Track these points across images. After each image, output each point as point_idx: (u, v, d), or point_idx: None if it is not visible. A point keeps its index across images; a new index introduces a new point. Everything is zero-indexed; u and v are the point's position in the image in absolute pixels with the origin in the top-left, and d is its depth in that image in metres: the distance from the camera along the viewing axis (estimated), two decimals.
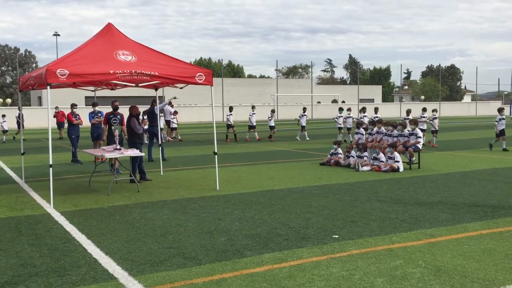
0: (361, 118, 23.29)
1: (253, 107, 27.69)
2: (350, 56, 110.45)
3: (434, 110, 23.66)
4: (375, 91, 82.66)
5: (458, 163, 15.46)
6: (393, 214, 8.35)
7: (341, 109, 26.11)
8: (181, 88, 13.02)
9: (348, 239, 6.83)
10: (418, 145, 14.46)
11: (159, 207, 9.18)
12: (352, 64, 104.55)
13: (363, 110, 24.00)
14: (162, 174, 13.67)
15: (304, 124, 26.69)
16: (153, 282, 5.25)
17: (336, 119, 25.53)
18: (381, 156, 14.14)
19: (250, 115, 26.57)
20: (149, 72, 10.02)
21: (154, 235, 7.20)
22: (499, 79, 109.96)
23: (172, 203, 9.60)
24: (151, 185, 11.87)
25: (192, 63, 60.75)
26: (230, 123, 25.69)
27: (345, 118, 24.99)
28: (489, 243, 6.54)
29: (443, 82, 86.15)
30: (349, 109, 25.95)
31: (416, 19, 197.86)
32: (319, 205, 9.17)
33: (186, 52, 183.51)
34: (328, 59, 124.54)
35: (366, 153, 14.83)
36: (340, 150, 15.73)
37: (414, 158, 14.33)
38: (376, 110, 23.23)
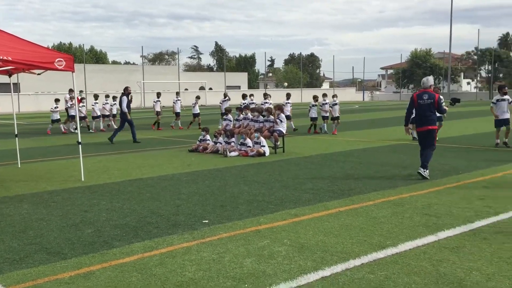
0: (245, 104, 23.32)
1: (177, 93, 26.71)
2: (216, 43, 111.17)
3: (334, 96, 22.25)
4: (241, 78, 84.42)
5: (319, 146, 16.44)
6: (260, 196, 8.67)
7: (325, 95, 22.63)
8: (38, 74, 12.18)
9: (217, 223, 6.97)
10: (282, 130, 15.09)
11: (17, 202, 8.57)
12: (219, 52, 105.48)
13: (247, 96, 24.04)
14: (19, 166, 12.75)
15: (198, 111, 25.55)
16: (13, 281, 4.92)
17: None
18: (248, 141, 14.55)
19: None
20: (0, 57, 9.23)
21: (12, 231, 6.73)
22: (353, 67, 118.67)
23: (32, 196, 9.02)
24: (7, 178, 11.02)
25: (51, 47, 56.97)
26: (158, 110, 25.06)
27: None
28: (346, 219, 7.09)
29: (304, 69, 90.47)
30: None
31: (276, 9, 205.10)
32: (188, 191, 9.22)
33: (42, 36, 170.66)
34: (195, 46, 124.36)
35: (233, 139, 15.15)
36: (208, 137, 15.89)
37: (279, 143, 14.95)
38: (244, 97, 23.61)
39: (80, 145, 10.95)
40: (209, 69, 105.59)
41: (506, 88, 16.12)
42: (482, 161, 12.34)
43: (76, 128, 23.44)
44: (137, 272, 5.13)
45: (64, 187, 9.85)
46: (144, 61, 73.56)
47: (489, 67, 79.43)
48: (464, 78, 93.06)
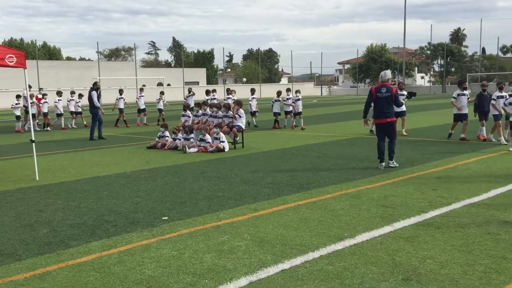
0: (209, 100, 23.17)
1: (141, 89, 26.03)
2: (174, 38, 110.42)
3: (297, 91, 22.10)
4: (200, 73, 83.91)
5: (278, 141, 16.54)
6: (220, 192, 8.66)
7: (288, 90, 22.93)
8: None
9: (177, 219, 6.93)
10: (241, 125, 15.11)
11: None
12: (176, 47, 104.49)
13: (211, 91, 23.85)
14: None
15: (162, 107, 25.17)
16: None
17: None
18: (208, 137, 14.50)
19: (137, 98, 24.97)
20: None
21: None
22: (311, 62, 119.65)
23: None
24: None
25: (1, 43, 55.15)
26: (121, 108, 24.45)
27: (293, 100, 21.64)
28: (305, 212, 7.18)
29: (262, 65, 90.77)
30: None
31: (233, 3, 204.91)
32: (147, 188, 9.12)
33: None
34: (152, 41, 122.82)
35: (192, 135, 15.07)
36: (167, 133, 15.75)
37: (238, 138, 14.97)
38: (207, 93, 23.41)
39: (33, 144, 10.65)
40: (167, 65, 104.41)
41: (466, 83, 16.62)
42: (435, 153, 12.70)
43: (44, 126, 22.90)
44: (95, 271, 5.04)
45: (17, 187, 9.57)
46: (100, 57, 71.96)
47: (442, 61, 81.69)
48: (418, 73, 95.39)
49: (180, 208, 7.60)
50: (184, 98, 25.37)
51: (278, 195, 8.29)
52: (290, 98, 21.69)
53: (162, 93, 25.99)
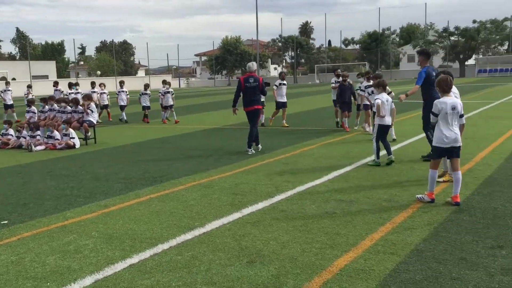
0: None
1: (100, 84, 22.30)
2: (18, 29, 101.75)
3: (165, 82, 20.34)
4: (49, 67, 78.93)
5: (134, 134, 16.22)
6: (68, 190, 8.29)
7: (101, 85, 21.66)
8: None
9: (19, 222, 6.51)
10: (92, 120, 14.54)
11: None
12: (21, 39, 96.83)
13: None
14: None
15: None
16: None
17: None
18: (56, 134, 13.74)
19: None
20: None
21: None
22: (167, 54, 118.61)
23: None
24: None
25: None
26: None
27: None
28: (157, 205, 7.17)
29: (118, 57, 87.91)
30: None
31: None
32: None
33: None
34: None
35: (39, 132, 14.17)
36: (11, 131, 14.64)
37: (90, 133, 14.39)
38: (55, 83, 22.01)
39: None
40: (11, 57, 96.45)
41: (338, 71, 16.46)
42: (285, 140, 13.38)
43: None
44: None
45: None
46: None
47: (292, 53, 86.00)
48: (271, 64, 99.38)
49: (23, 210, 7.14)
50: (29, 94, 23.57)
51: (130, 190, 8.16)
52: (105, 92, 21.21)
53: (29, 86, 23.96)
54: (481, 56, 78.67)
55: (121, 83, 21.81)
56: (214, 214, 6.56)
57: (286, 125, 16.78)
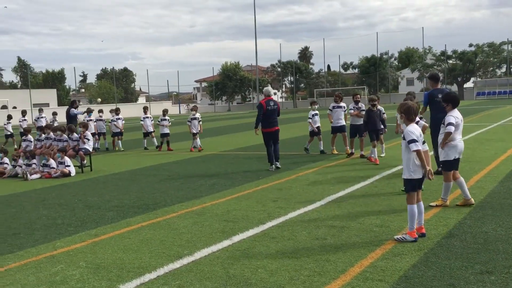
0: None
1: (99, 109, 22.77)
2: (19, 58, 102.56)
3: (164, 112, 20.33)
4: (50, 94, 79.41)
5: (129, 162, 16.21)
6: (59, 220, 8.26)
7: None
8: None
9: (7, 253, 6.47)
10: (88, 148, 14.55)
11: None
12: (22, 67, 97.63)
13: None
14: None
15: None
16: None
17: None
18: (51, 162, 13.75)
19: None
20: None
21: None
22: (168, 80, 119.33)
23: None
24: None
25: None
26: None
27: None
28: (148, 233, 7.12)
29: (118, 84, 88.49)
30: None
31: (84, 21, 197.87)
32: None
33: None
34: None
35: (34, 161, 14.18)
36: (7, 160, 14.66)
37: (85, 161, 14.39)
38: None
39: None
40: (12, 86, 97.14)
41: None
42: (281, 165, 13.31)
43: None
44: None
45: None
46: None
47: (292, 78, 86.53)
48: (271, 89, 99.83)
49: (12, 240, 7.10)
50: (34, 120, 23.93)
51: (122, 218, 8.13)
52: (97, 118, 21.71)
53: (41, 110, 24.66)
54: (479, 79, 79.14)
55: (117, 111, 21.88)
56: (204, 242, 6.51)
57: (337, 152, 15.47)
